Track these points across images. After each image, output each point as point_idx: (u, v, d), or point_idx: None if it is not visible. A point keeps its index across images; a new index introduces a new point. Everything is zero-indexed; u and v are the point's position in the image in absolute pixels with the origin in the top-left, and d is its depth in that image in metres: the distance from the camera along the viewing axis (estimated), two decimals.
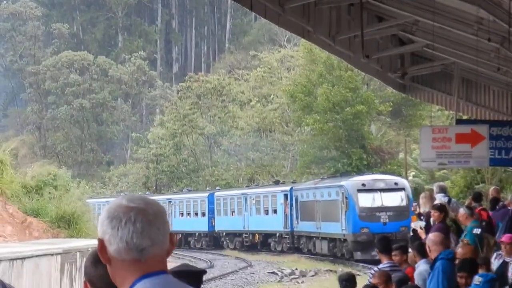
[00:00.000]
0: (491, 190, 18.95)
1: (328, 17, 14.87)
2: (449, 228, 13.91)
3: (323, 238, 45.04)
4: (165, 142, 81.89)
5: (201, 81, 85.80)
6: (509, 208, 16.89)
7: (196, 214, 58.97)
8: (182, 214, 59.96)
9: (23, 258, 18.77)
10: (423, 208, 16.62)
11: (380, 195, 41.58)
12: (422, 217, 16.56)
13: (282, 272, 39.24)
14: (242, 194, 54.26)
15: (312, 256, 46.56)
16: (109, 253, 2.82)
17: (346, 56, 16.99)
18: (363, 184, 42.01)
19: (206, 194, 58.80)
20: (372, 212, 41.02)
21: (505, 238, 12.65)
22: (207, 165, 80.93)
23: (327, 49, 16.59)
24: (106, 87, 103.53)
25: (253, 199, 52.76)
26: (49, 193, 33.49)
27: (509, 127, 17.43)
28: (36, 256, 19.62)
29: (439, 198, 17.27)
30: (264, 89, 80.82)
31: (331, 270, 39.42)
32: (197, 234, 59.31)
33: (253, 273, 40.00)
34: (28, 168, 37.04)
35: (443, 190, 18.09)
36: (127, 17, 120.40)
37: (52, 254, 20.62)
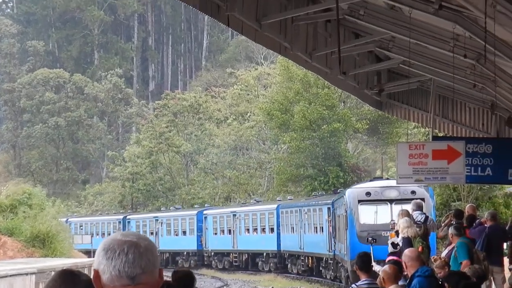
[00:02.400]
0: (467, 207, 19.00)
1: (305, 34, 14.84)
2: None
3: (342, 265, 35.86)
4: (141, 160, 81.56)
5: (177, 99, 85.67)
6: (485, 225, 16.92)
7: (264, 230, 50.01)
8: (248, 230, 51.57)
9: None
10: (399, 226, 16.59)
11: (390, 207, 31.84)
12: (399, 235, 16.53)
13: None
14: (298, 206, 45.19)
15: (288, 274, 45.88)
16: (102, 282, 3.12)
17: (323, 72, 16.97)
18: (368, 193, 32.53)
19: (275, 206, 49.42)
20: (376, 231, 31.11)
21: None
22: (183, 184, 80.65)
23: (304, 65, 16.57)
24: (82, 105, 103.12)
25: (305, 213, 43.30)
26: (24, 212, 33.22)
27: (485, 144, 17.43)
28: (11, 275, 19.37)
29: (416, 216, 17.29)
30: (240, 107, 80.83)
31: None
32: (264, 254, 50.34)
33: None
34: (3, 187, 36.75)
35: (420, 207, 18.13)
36: (103, 35, 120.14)
37: (26, 274, 20.39)
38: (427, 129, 32.61)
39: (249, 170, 75.60)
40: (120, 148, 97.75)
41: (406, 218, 16.14)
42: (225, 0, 11.54)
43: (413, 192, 31.66)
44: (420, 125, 28.81)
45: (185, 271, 5.27)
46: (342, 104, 63.47)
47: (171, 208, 65.97)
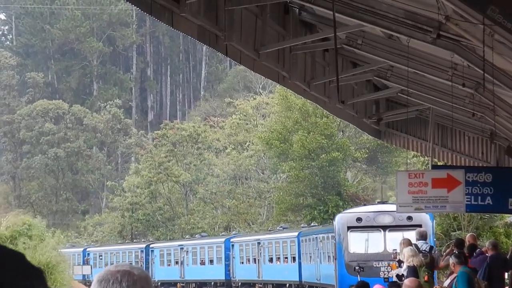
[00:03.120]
0: (467, 237, 18.94)
1: (303, 63, 14.87)
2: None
3: None
4: (141, 190, 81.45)
5: (176, 129, 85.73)
6: (486, 255, 16.85)
7: (286, 259, 46.52)
8: (272, 259, 48.34)
9: None
10: (403, 255, 16.50)
11: (384, 235, 29.27)
12: (402, 264, 16.45)
13: None
14: (315, 234, 40.87)
15: None
16: None
17: (321, 101, 16.97)
18: (359, 219, 29.75)
19: (296, 234, 45.69)
20: (367, 262, 28.83)
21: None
22: (182, 213, 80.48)
23: (303, 94, 16.58)
24: (81, 135, 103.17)
25: (320, 241, 38.21)
26: (24, 243, 33.13)
27: (485, 173, 17.37)
28: None
29: (420, 245, 17.19)
30: (239, 136, 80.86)
31: None
32: (287, 285, 47.03)
33: None
34: (3, 218, 36.64)
35: (423, 237, 18.00)
36: (102, 65, 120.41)
37: None
38: (426, 158, 32.57)
39: (248, 200, 75.47)
40: (119, 178, 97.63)
41: (411, 247, 16.04)
42: (223, 30, 11.56)
43: (409, 218, 28.75)
44: (419, 154, 28.74)
45: None
46: (341, 133, 63.50)
47: (196, 236, 63.54)
